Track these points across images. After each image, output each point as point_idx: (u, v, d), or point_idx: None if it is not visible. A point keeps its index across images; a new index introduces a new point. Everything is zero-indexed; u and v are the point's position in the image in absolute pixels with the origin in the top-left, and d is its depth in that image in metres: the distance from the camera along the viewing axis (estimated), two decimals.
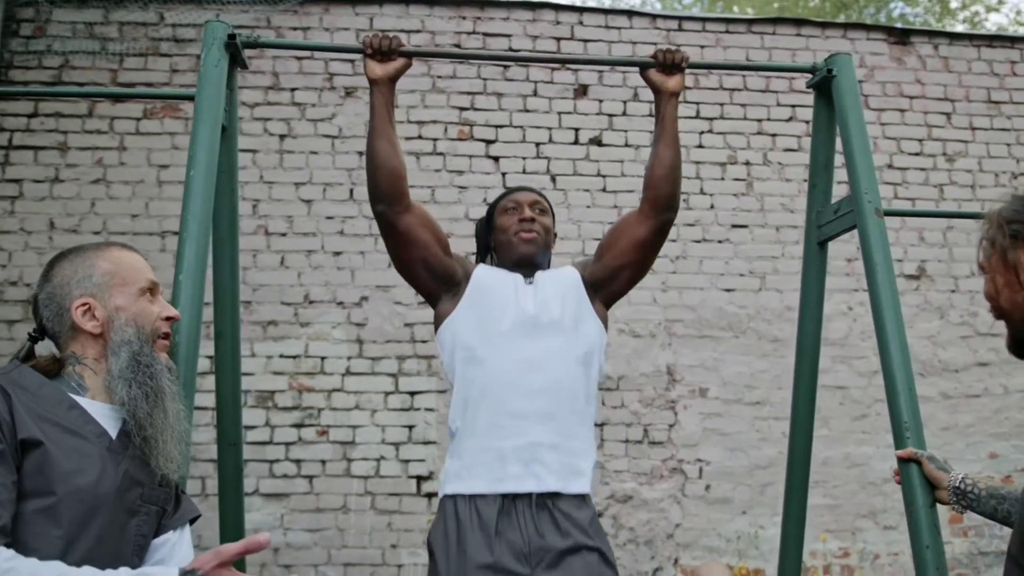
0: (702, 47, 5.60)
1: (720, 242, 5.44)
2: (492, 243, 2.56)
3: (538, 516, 2.20)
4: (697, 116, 5.54)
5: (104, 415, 1.60)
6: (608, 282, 2.48)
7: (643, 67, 2.45)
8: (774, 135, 5.57)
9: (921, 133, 5.71)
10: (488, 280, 2.41)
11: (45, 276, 1.67)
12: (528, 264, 2.46)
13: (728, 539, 5.23)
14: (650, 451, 5.27)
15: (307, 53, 5.28)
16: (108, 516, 1.54)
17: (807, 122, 5.62)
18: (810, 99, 5.43)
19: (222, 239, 2.32)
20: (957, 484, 1.91)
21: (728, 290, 5.41)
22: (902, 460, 2.01)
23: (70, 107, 5.08)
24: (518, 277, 2.42)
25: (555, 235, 2.60)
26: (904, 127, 5.70)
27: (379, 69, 2.29)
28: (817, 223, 2.54)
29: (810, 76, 2.50)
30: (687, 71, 2.44)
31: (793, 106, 5.62)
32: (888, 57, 5.76)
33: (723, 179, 5.48)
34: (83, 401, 1.60)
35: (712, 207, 5.46)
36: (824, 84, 2.45)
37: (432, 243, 2.39)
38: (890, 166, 5.65)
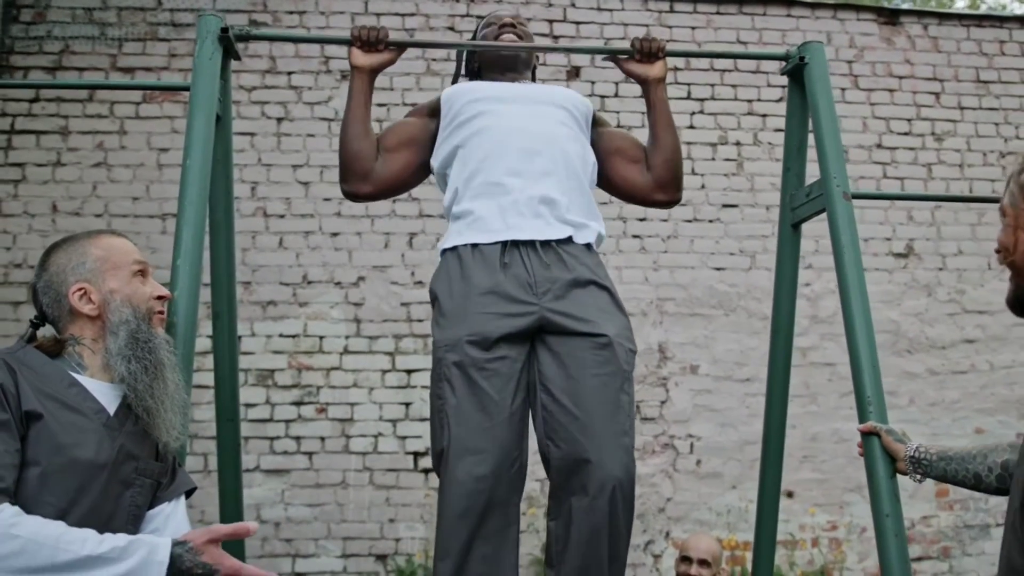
0: (693, 28, 5.67)
1: (711, 221, 5.53)
2: (476, 63, 2.54)
3: (544, 252, 2.14)
4: (688, 97, 5.61)
5: (102, 392, 1.71)
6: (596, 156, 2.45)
7: (622, 59, 2.48)
8: (764, 115, 5.65)
9: (910, 113, 5.78)
10: (460, 87, 2.40)
11: (42, 266, 1.77)
12: (512, 65, 2.44)
13: (719, 513, 5.36)
14: (642, 427, 5.38)
15: (304, 36, 5.35)
16: (103, 487, 1.64)
17: None
18: None
19: (218, 224, 2.42)
20: (911, 454, 2.02)
21: (719, 269, 5.51)
22: (864, 433, 2.12)
23: (71, 92, 5.17)
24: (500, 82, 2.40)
25: (538, 58, 2.61)
26: (893, 107, 5.77)
27: (363, 58, 2.36)
28: (791, 206, 2.63)
29: (783, 63, 2.58)
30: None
31: (783, 87, 5.65)
32: (878, 37, 5.82)
33: (714, 159, 5.57)
34: (83, 379, 1.70)
35: (703, 187, 5.55)
36: (796, 71, 2.53)
37: (409, 155, 2.39)
38: (879, 145, 5.73)
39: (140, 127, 5.20)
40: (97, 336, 1.72)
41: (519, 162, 2.20)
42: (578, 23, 5.58)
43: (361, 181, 2.34)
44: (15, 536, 1.45)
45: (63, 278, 1.73)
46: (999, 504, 5.49)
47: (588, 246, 2.24)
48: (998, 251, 1.51)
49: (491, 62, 2.46)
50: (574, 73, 5.51)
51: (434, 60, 5.44)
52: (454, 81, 2.63)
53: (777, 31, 5.73)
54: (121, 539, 1.53)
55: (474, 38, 2.58)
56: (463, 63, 2.63)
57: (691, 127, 5.59)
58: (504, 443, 2.01)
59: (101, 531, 1.58)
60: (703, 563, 3.75)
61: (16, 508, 1.50)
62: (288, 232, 5.28)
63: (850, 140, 5.71)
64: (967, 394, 5.58)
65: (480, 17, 5.51)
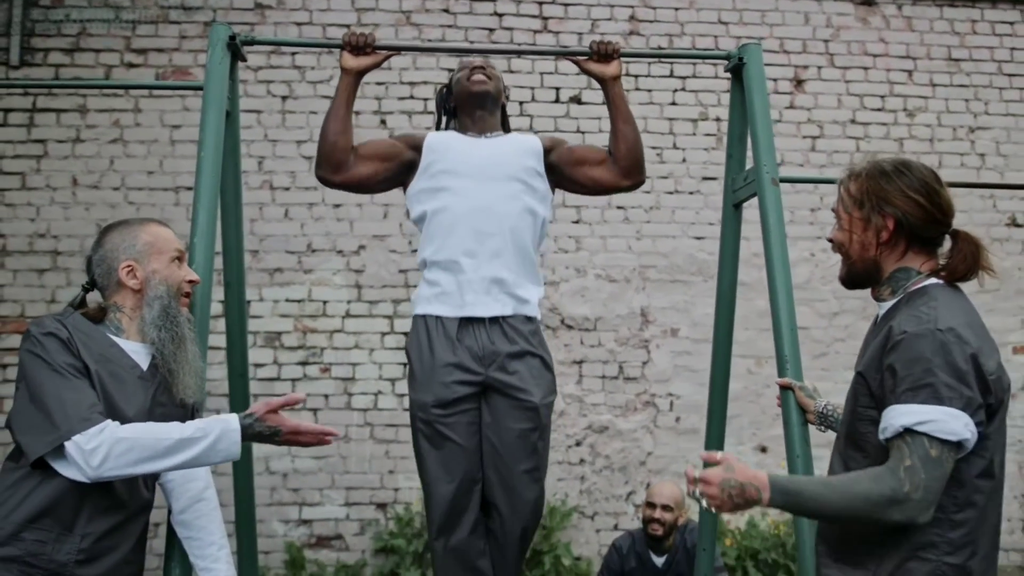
0: (676, 9, 5.94)
1: (691, 193, 5.85)
2: (451, 104, 2.91)
3: (491, 329, 2.65)
4: (671, 75, 5.91)
5: (136, 352, 2.08)
6: (562, 178, 2.85)
7: (582, 60, 2.80)
8: None
9: (883, 90, 6.06)
10: (440, 142, 2.78)
11: (98, 242, 2.13)
12: (481, 102, 2.80)
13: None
14: (625, 386, 5.75)
15: (307, 19, 5.66)
16: None
17: (775, 80, 5.99)
18: (777, 57, 5.80)
19: (228, 206, 2.76)
20: (820, 409, 2.38)
21: (698, 238, 5.83)
22: (782, 388, 2.47)
23: (89, 72, 5.50)
24: (472, 137, 2.79)
25: (507, 96, 2.97)
26: (867, 84, 6.05)
27: (352, 61, 2.69)
28: (732, 188, 2.95)
29: (727, 62, 2.89)
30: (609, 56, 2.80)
31: (764, 64, 5.95)
32: (854, 17, 6.09)
33: (695, 134, 5.87)
34: (120, 341, 2.07)
35: (684, 160, 5.86)
36: (737, 70, 2.85)
37: (378, 166, 2.76)
38: (853, 121, 6.02)
39: (154, 105, 5.53)
40: (136, 306, 2.09)
41: (474, 243, 2.67)
42: (567, 5, 5.86)
43: (332, 170, 2.72)
44: (124, 438, 1.87)
45: (115, 255, 2.09)
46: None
47: (528, 318, 2.72)
48: (831, 240, 1.98)
49: (464, 101, 2.83)
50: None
51: (429, 40, 5.74)
52: (436, 125, 2.99)
53: (757, 11, 6.00)
54: (200, 422, 1.97)
55: (449, 83, 2.93)
56: (442, 105, 2.98)
57: (673, 103, 5.89)
58: (465, 470, 2.65)
59: None
60: (665, 508, 4.15)
61: (116, 422, 1.91)
62: (293, 204, 5.62)
63: (825, 116, 6.01)
64: None
65: None
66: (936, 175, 1.92)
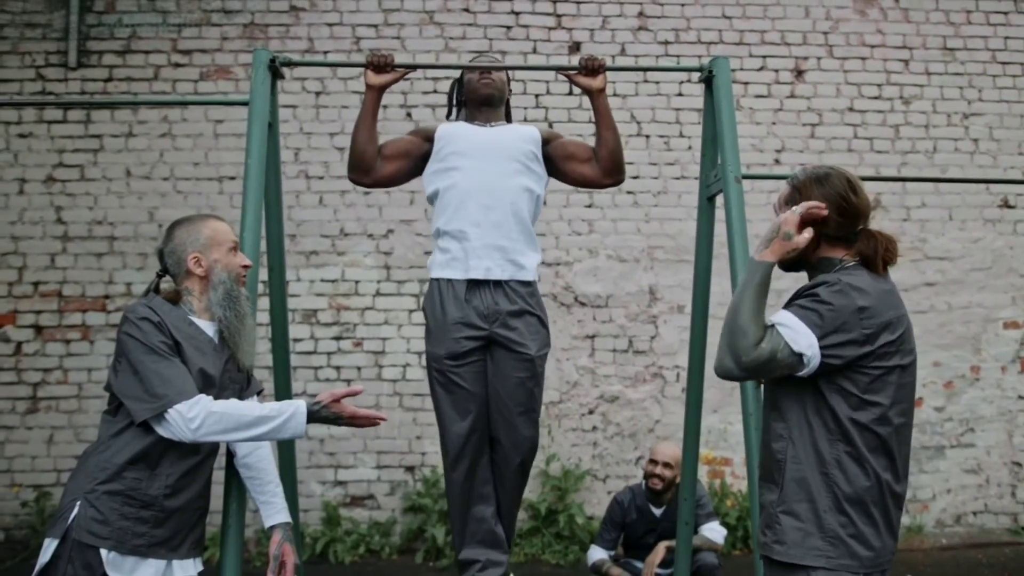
0: (683, 5, 6.31)
1: (696, 179, 6.21)
2: (462, 97, 3.34)
3: (494, 291, 3.06)
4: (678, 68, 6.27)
5: (206, 327, 2.52)
6: (553, 168, 3.28)
7: (572, 74, 3.21)
8: (746, 83, 6.30)
9: (880, 79, 6.39)
10: (450, 130, 3.19)
11: (168, 237, 2.56)
12: (488, 101, 3.24)
13: (700, 433, 6.13)
14: (634, 359, 6.18)
15: (337, 20, 6.11)
16: (214, 389, 2.47)
17: (776, 71, 6.35)
18: (779, 49, 6.14)
19: (271, 202, 3.21)
20: None
21: None
22: None
23: (140, 72, 5.99)
24: (478, 126, 3.21)
25: (510, 91, 3.41)
26: (865, 73, 6.39)
27: (375, 78, 3.13)
28: (705, 183, 3.35)
29: (700, 73, 3.29)
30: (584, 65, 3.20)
31: (764, 57, 6.33)
32: (852, 10, 6.42)
33: (699, 123, 6.23)
34: (194, 319, 2.52)
35: (690, 148, 6.24)
36: (708, 81, 3.24)
37: (402, 163, 3.22)
38: (851, 109, 6.36)
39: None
40: (203, 290, 2.54)
41: (480, 215, 3.08)
42: (579, 2, 6.25)
43: (363, 174, 3.18)
44: (215, 411, 2.31)
45: (183, 247, 2.52)
46: (953, 427, 6.21)
47: (526, 282, 3.12)
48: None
49: (472, 99, 3.28)
50: (575, 48, 6.20)
51: (451, 39, 6.17)
52: (448, 114, 3.43)
53: (759, 5, 6.34)
54: (276, 404, 2.40)
55: (461, 78, 3.38)
56: (453, 96, 3.42)
57: (680, 95, 6.27)
58: (474, 411, 3.09)
59: None
60: (666, 465, 4.57)
61: (209, 397, 2.34)
62: (327, 191, 6.09)
63: (824, 105, 6.36)
64: (927, 331, 6.26)
65: None
66: (851, 183, 2.32)
